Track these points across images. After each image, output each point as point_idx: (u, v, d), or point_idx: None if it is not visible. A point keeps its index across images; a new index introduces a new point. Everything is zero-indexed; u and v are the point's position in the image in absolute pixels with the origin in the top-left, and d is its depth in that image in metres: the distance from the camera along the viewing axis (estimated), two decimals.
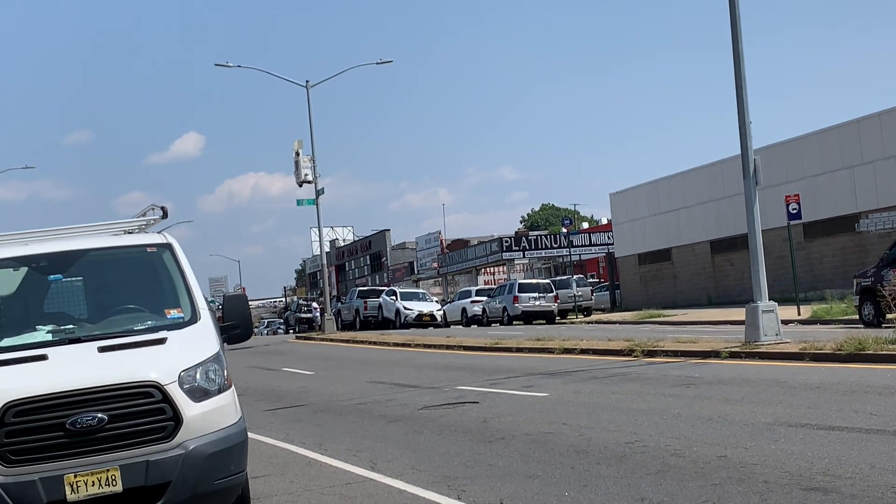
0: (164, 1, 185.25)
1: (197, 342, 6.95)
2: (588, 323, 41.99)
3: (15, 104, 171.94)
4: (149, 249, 7.90)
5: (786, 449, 8.58)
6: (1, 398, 6.18)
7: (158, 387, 6.42)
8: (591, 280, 61.47)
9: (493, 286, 55.95)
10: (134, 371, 6.47)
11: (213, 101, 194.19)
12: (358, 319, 49.96)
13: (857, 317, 24.88)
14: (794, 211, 30.70)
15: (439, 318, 46.67)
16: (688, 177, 50.34)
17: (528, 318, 43.59)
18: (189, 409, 6.47)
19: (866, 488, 6.98)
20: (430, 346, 27.76)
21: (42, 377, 6.35)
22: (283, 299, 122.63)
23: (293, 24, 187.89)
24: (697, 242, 49.29)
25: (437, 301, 53.59)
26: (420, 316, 46.07)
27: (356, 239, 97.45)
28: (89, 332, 7.06)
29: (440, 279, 79.07)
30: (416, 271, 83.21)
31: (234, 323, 7.66)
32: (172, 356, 6.68)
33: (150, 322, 7.25)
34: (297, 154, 42.40)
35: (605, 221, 74.32)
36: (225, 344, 7.40)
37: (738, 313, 22.11)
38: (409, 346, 28.89)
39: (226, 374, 6.89)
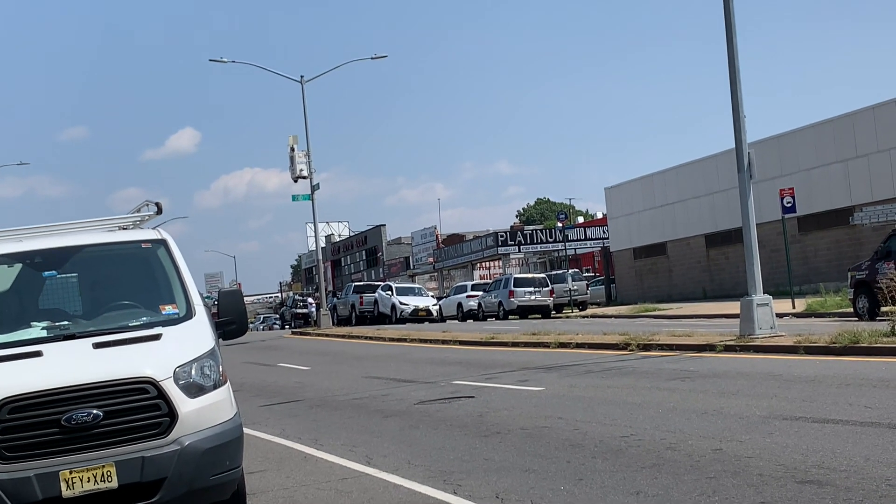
0: None
1: (192, 338, 6.94)
2: (583, 317, 42.00)
3: (10, 101, 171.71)
4: (143, 245, 7.88)
5: (781, 442, 8.60)
6: None
7: (153, 383, 6.41)
8: (586, 274, 61.58)
9: (488, 281, 55.94)
10: (129, 367, 6.46)
11: (208, 96, 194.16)
12: (354, 315, 49.95)
13: (852, 310, 24.92)
14: (789, 204, 30.73)
15: (435, 313, 46.73)
16: (682, 171, 50.38)
17: (524, 312, 43.69)
18: (184, 404, 6.47)
19: (861, 481, 6.99)
20: (425, 341, 27.78)
21: (37, 373, 6.34)
22: (279, 295, 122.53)
23: (290, 21, 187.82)
24: (692, 236, 49.33)
25: (432, 296, 53.59)
26: (416, 311, 46.14)
27: (352, 234, 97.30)
28: (84, 329, 7.05)
29: (436, 274, 79.04)
30: (411, 266, 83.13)
31: (230, 318, 7.65)
32: (167, 352, 6.67)
33: (144, 318, 7.24)
34: (293, 150, 42.45)
35: (600, 216, 74.38)
36: (220, 340, 7.40)
37: (734, 307, 22.17)
38: (405, 341, 28.90)
39: (221, 369, 6.89)
